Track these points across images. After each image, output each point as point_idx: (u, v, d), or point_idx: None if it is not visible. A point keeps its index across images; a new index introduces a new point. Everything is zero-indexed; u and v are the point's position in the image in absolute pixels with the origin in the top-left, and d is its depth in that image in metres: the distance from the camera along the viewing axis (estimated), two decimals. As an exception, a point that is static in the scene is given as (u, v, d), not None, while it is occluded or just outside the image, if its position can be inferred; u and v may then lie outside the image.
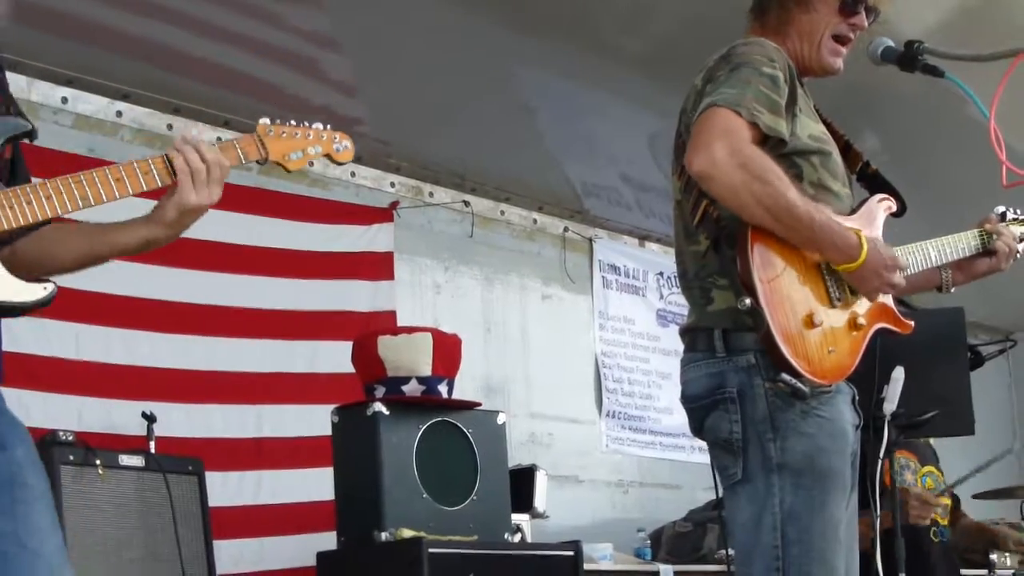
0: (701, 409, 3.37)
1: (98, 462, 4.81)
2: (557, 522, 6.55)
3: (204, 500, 5.14)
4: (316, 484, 5.81)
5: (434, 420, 5.18)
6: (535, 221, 7.73)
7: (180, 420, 5.67)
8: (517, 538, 5.47)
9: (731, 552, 3.53)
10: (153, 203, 2.73)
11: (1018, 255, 3.93)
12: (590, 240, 8.01)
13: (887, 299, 3.49)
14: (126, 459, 4.94)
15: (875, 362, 4.48)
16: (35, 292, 2.57)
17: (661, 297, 8.32)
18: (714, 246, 3.33)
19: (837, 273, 3.35)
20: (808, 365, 3.22)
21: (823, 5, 3.51)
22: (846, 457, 3.33)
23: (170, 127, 6.01)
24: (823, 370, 3.26)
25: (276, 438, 6.09)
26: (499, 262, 7.48)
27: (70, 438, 4.82)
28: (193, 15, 5.45)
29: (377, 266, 6.73)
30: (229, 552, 5.62)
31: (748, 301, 3.19)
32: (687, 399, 3.43)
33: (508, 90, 6.48)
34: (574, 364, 7.77)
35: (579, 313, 7.88)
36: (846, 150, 3.63)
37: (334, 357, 6.10)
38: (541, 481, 6.15)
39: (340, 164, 3.11)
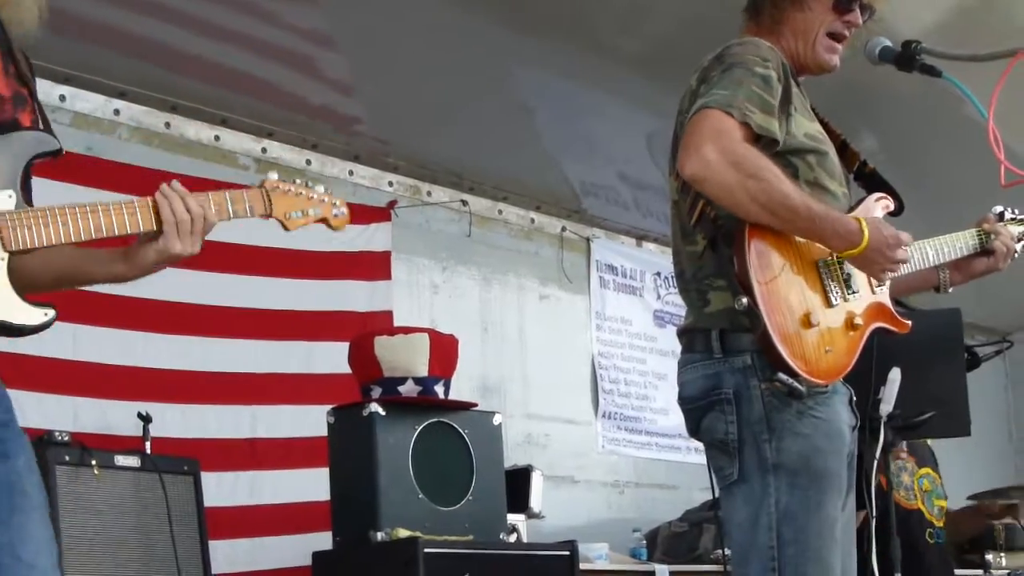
0: (698, 410, 3.37)
1: (94, 462, 4.80)
2: (553, 522, 6.54)
3: (200, 500, 5.13)
4: (311, 484, 5.80)
5: (430, 420, 5.18)
6: (533, 220, 7.72)
7: (175, 420, 5.67)
8: (513, 538, 5.47)
9: (727, 552, 3.53)
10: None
11: (1016, 255, 3.93)
12: (588, 240, 8.00)
13: (884, 298, 3.49)
14: (122, 459, 4.93)
15: (872, 363, 4.49)
16: (37, 317, 2.61)
17: (658, 297, 8.31)
18: (711, 246, 3.33)
19: (835, 273, 3.35)
20: (805, 365, 3.22)
21: (817, 3, 3.51)
22: (842, 458, 3.33)
23: (168, 125, 6.01)
24: (820, 370, 3.25)
25: (271, 439, 6.08)
26: (497, 262, 7.48)
27: (66, 438, 4.81)
28: (191, 13, 5.44)
29: (374, 266, 6.72)
30: (224, 552, 5.61)
31: (745, 301, 3.19)
32: (684, 400, 3.43)
33: (506, 89, 6.48)
34: (571, 364, 7.77)
35: (576, 313, 7.88)
36: (843, 149, 3.63)
37: (330, 357, 6.09)
38: (537, 481, 6.15)
39: (334, 230, 3.17)
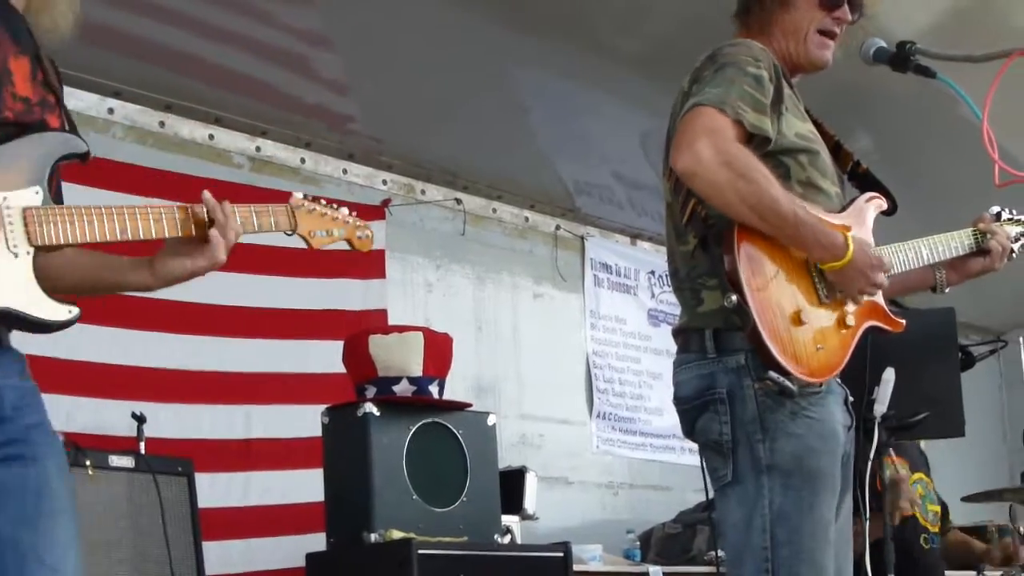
0: (692, 410, 3.38)
1: (88, 463, 4.78)
2: (547, 523, 6.54)
3: (194, 501, 5.12)
4: (305, 485, 5.79)
5: (424, 421, 5.17)
6: (527, 219, 7.72)
7: (169, 421, 5.66)
8: (507, 539, 5.46)
9: (721, 553, 3.53)
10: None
11: (1014, 254, 3.93)
12: (582, 238, 8.00)
13: (878, 297, 3.49)
14: (116, 460, 4.91)
15: (866, 363, 4.49)
16: (62, 313, 2.60)
17: (652, 296, 8.31)
18: (702, 245, 3.35)
19: (825, 272, 3.35)
20: (796, 363, 3.22)
21: (804, 1, 3.52)
22: (836, 458, 3.33)
23: (162, 124, 6.00)
24: (811, 368, 3.26)
25: (266, 439, 6.07)
26: (491, 260, 7.47)
27: (59, 438, 4.79)
28: (185, 13, 5.44)
29: (368, 264, 6.70)
30: (218, 553, 5.60)
31: (734, 298, 3.20)
32: (679, 401, 3.44)
33: (500, 88, 6.47)
34: (565, 364, 7.76)
35: (570, 312, 7.87)
36: (837, 150, 3.64)
37: (324, 357, 6.08)
38: (531, 482, 6.14)
39: (355, 249, 3.21)
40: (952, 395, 5.60)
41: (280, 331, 6.24)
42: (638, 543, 7.17)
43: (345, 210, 3.11)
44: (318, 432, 5.25)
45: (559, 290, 7.83)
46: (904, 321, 3.55)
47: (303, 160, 6.53)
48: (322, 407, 5.26)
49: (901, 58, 3.56)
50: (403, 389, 5.19)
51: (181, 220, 2.73)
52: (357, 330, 5.67)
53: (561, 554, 5.31)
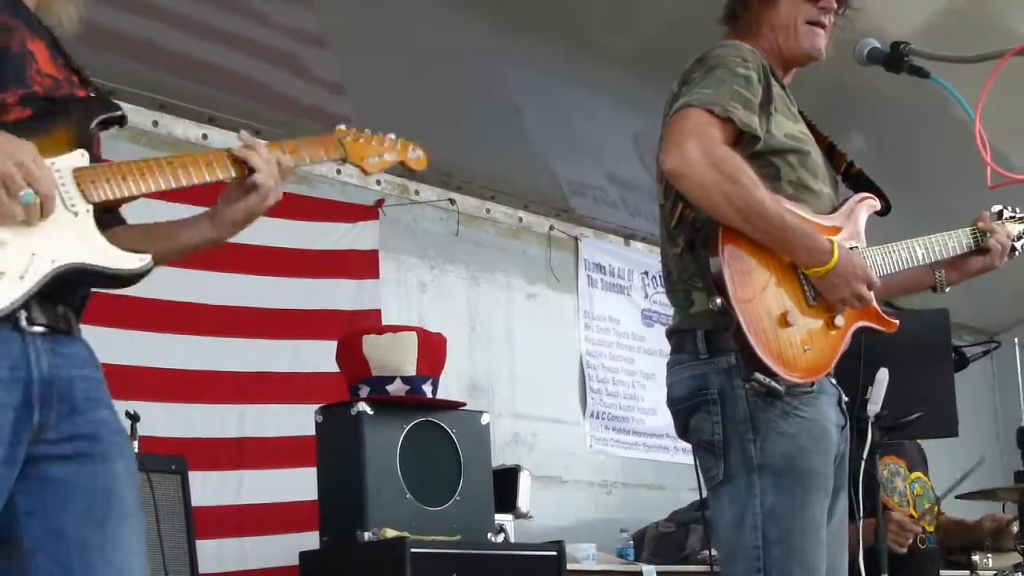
0: (685, 411, 3.39)
1: (81, 461, 4.78)
2: (540, 522, 6.53)
3: (187, 500, 5.11)
4: (299, 484, 5.79)
5: (418, 420, 5.17)
6: (521, 219, 7.72)
7: (163, 419, 5.65)
8: (500, 538, 5.46)
9: (714, 553, 3.53)
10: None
11: (1016, 252, 3.92)
12: (576, 239, 8.00)
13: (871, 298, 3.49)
14: (109, 458, 4.90)
15: (859, 363, 4.50)
16: (134, 262, 2.58)
17: (646, 296, 8.31)
18: (689, 247, 3.37)
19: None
20: (782, 364, 3.23)
21: None
22: (828, 458, 3.33)
23: (155, 123, 5.99)
24: (798, 369, 3.26)
25: (259, 438, 6.07)
26: (484, 260, 7.47)
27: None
28: (179, 12, 5.44)
29: (362, 264, 6.71)
30: (212, 552, 5.60)
31: (719, 301, 3.22)
32: (672, 401, 3.44)
33: (495, 89, 6.48)
34: (559, 364, 7.76)
35: (564, 312, 7.87)
36: (831, 151, 3.65)
37: (318, 356, 6.08)
38: (525, 481, 6.14)
39: (411, 170, 3.19)
40: (946, 396, 5.61)
41: (274, 331, 6.24)
42: (631, 542, 7.16)
43: (392, 135, 3.11)
44: (311, 431, 5.25)
45: (553, 290, 7.83)
46: (897, 321, 3.55)
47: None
48: (315, 406, 5.26)
49: (895, 58, 3.56)
50: (397, 389, 5.19)
51: (231, 162, 2.73)
52: (351, 330, 5.68)
53: (554, 553, 5.31)
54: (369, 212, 6.78)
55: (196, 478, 5.34)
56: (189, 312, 5.92)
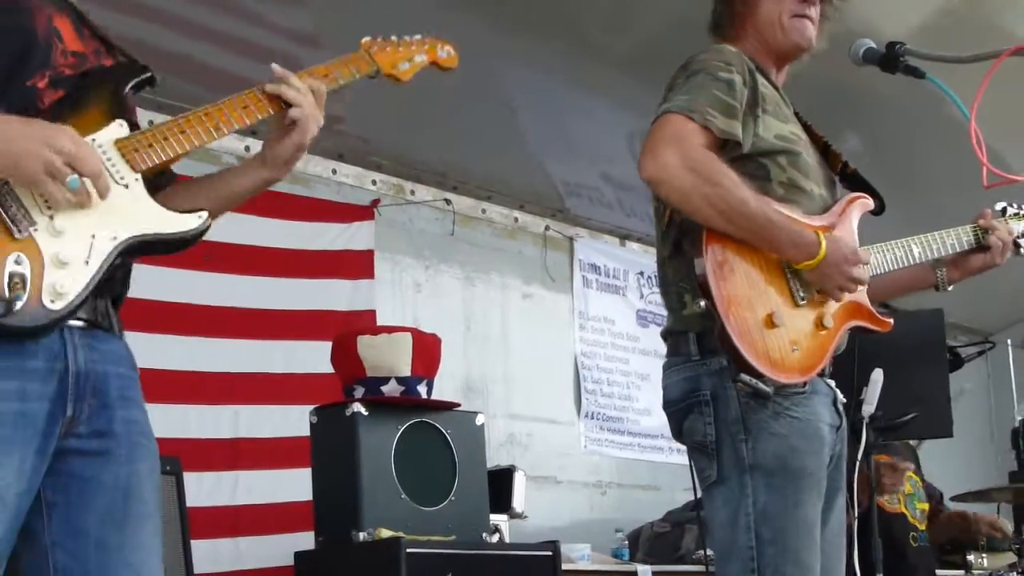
0: (679, 412, 3.40)
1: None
2: (535, 522, 6.53)
3: (182, 500, 5.10)
4: (294, 484, 5.78)
5: (413, 421, 5.16)
6: (516, 220, 7.72)
7: (157, 420, 5.55)
8: (495, 538, 5.46)
9: (710, 553, 3.54)
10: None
11: (1021, 250, 3.90)
12: (571, 239, 8.00)
13: (862, 297, 3.49)
14: (104, 458, 4.90)
15: (854, 364, 4.50)
16: (192, 222, 2.59)
17: (641, 297, 8.31)
18: (676, 249, 3.39)
19: (802, 274, 3.35)
20: (769, 365, 3.24)
21: None
22: (821, 458, 3.34)
23: (151, 123, 5.95)
24: (786, 369, 3.27)
25: (254, 438, 6.07)
26: (480, 261, 7.47)
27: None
28: (172, 12, 5.43)
29: (357, 264, 6.70)
30: (207, 552, 5.59)
31: (703, 303, 3.23)
32: (667, 403, 3.46)
33: (491, 89, 6.47)
34: (554, 364, 7.76)
35: (559, 313, 7.87)
36: (826, 151, 3.65)
37: (313, 357, 6.08)
38: (519, 482, 6.14)
39: (444, 70, 3.15)
40: (940, 396, 5.62)
41: (268, 331, 6.23)
42: (626, 542, 7.17)
43: (419, 36, 3.08)
44: (306, 432, 5.24)
45: (548, 290, 7.82)
46: (891, 320, 3.55)
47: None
48: (309, 407, 5.26)
49: (890, 59, 3.56)
50: (391, 389, 5.18)
51: (266, 99, 2.73)
52: (346, 330, 5.67)
53: (549, 553, 5.31)
54: (364, 212, 6.78)
55: (191, 479, 5.33)
56: (184, 312, 5.91)
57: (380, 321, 6.51)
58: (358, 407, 5.01)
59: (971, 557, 6.59)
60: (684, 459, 3.50)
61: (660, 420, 3.60)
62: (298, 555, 5.18)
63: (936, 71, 3.50)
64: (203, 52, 5.72)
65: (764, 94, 3.42)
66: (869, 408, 4.88)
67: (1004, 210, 3.92)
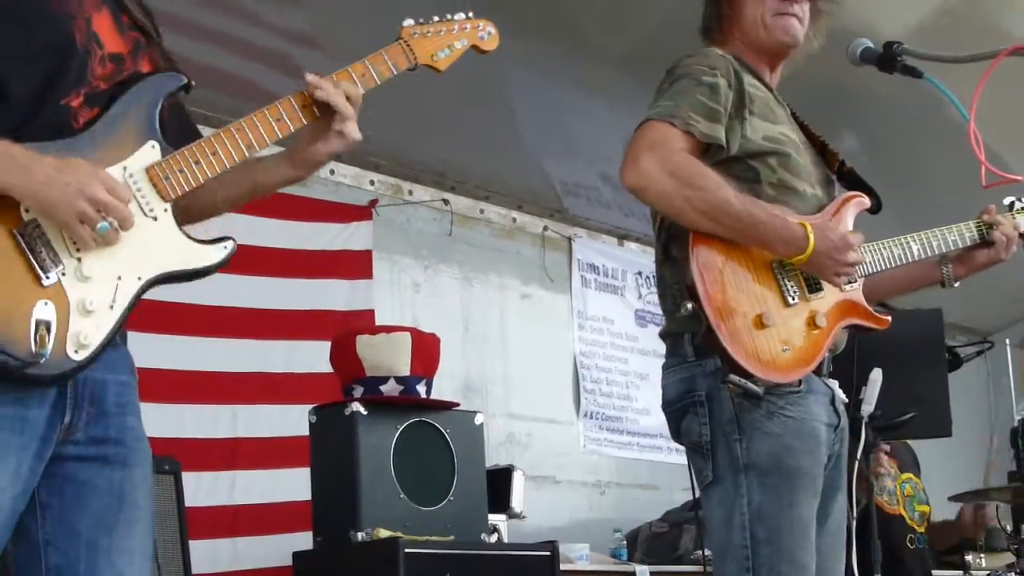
0: (676, 413, 3.42)
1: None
2: (534, 522, 6.53)
3: (180, 500, 5.11)
4: (292, 484, 5.78)
5: (412, 420, 5.16)
6: (514, 220, 7.72)
7: (155, 420, 5.58)
8: (494, 538, 5.46)
9: (708, 553, 3.54)
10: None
11: None
12: (569, 239, 8.00)
13: (856, 296, 3.48)
14: (102, 458, 4.89)
15: (853, 364, 4.50)
16: (217, 254, 2.63)
17: (640, 296, 8.31)
18: (666, 253, 3.41)
19: (793, 272, 3.36)
20: (759, 365, 3.24)
21: None
22: (817, 457, 3.33)
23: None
24: (777, 368, 3.27)
25: (252, 438, 6.07)
26: (478, 261, 7.47)
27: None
28: (168, 12, 5.40)
29: (355, 264, 6.70)
30: (205, 552, 5.59)
31: (690, 306, 3.25)
32: (664, 404, 3.48)
33: (488, 89, 6.47)
34: (553, 364, 7.76)
35: (558, 312, 7.87)
36: (823, 151, 3.65)
37: (311, 356, 6.08)
38: (518, 481, 6.13)
39: (484, 52, 3.06)
40: (939, 396, 5.62)
41: (267, 331, 6.23)
42: (625, 542, 7.17)
43: (460, 15, 2.98)
44: (304, 431, 5.24)
45: (546, 291, 7.83)
46: (889, 318, 3.54)
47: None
48: (309, 407, 5.26)
49: (888, 58, 3.57)
50: (390, 389, 5.18)
51: (302, 108, 2.70)
52: (344, 330, 5.67)
53: (548, 553, 5.31)
54: (362, 212, 6.78)
55: (189, 478, 5.34)
56: (182, 312, 5.90)
57: (379, 321, 6.51)
58: (357, 407, 5.01)
59: (970, 557, 6.59)
60: (683, 459, 3.51)
61: (659, 420, 3.61)
62: (296, 555, 5.18)
63: (934, 71, 3.50)
64: (200, 52, 5.71)
65: (752, 96, 3.43)
66: (868, 407, 4.87)
67: (1012, 204, 3.90)
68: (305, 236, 6.50)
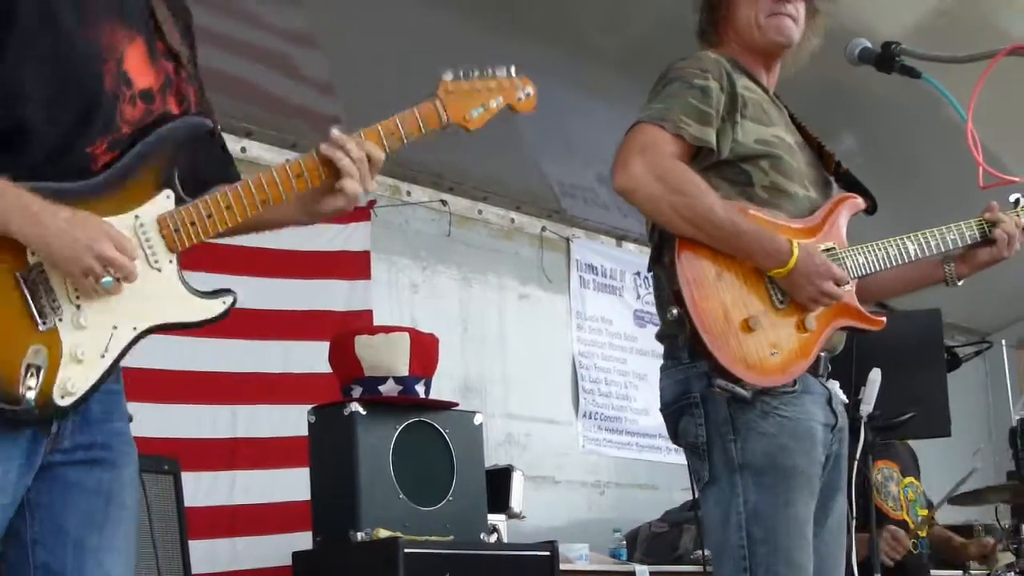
0: (673, 414, 3.43)
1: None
2: (533, 522, 6.54)
3: (180, 500, 5.11)
4: (292, 484, 5.79)
5: (411, 420, 5.16)
6: (513, 220, 7.72)
7: (155, 420, 5.64)
8: (493, 538, 5.46)
9: (707, 553, 3.54)
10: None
11: None
12: (567, 240, 8.01)
13: (849, 298, 3.47)
14: (101, 458, 4.89)
15: (852, 364, 4.50)
16: (216, 308, 2.63)
17: (638, 297, 8.32)
18: (657, 257, 3.42)
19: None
20: (745, 368, 3.25)
21: None
22: (813, 457, 3.33)
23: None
24: (765, 372, 3.27)
25: (251, 438, 6.07)
26: (476, 261, 7.48)
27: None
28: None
29: (353, 265, 6.70)
30: (205, 552, 5.60)
31: (676, 311, 3.26)
32: (662, 406, 3.49)
33: (486, 89, 6.46)
34: (551, 364, 7.76)
35: (556, 313, 7.88)
36: (820, 152, 3.65)
37: (310, 357, 6.08)
38: (517, 481, 6.14)
39: (519, 113, 2.96)
40: (938, 396, 5.62)
41: (266, 332, 6.23)
42: (624, 542, 7.17)
43: (502, 71, 2.89)
44: (303, 432, 5.25)
45: (545, 291, 7.83)
46: (884, 319, 3.53)
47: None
48: (308, 407, 5.26)
49: (886, 58, 3.57)
50: (389, 389, 5.18)
51: (321, 167, 2.68)
52: (343, 330, 5.67)
53: (547, 553, 5.31)
54: (361, 213, 6.78)
55: (188, 478, 5.34)
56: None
57: (377, 322, 6.51)
58: (356, 407, 5.01)
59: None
60: (682, 459, 3.51)
61: (658, 420, 3.62)
62: (296, 555, 5.18)
63: (932, 71, 3.51)
64: (202, 53, 5.69)
65: (745, 98, 3.43)
66: (867, 408, 4.87)
67: (1018, 201, 3.87)
68: (303, 237, 6.49)
